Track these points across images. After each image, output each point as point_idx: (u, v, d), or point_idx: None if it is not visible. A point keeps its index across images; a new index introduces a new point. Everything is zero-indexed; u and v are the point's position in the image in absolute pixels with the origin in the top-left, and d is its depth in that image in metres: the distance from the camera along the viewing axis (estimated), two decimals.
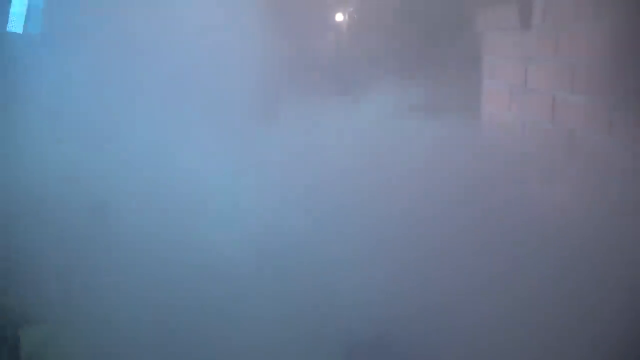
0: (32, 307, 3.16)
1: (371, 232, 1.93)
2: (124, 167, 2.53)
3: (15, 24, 2.97)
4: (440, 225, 1.77)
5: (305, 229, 2.09)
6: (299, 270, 1.98)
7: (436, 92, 2.86)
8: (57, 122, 3.07)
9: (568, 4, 1.58)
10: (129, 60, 2.85)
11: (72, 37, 3.12)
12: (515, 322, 1.44)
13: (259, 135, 2.64)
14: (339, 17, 4.32)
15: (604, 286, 1.35)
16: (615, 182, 1.43)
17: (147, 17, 2.77)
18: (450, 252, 1.68)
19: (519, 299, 1.49)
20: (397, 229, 1.84)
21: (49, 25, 3.11)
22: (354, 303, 1.82)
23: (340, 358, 1.84)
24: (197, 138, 2.56)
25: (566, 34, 1.59)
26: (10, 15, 2.93)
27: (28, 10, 3.04)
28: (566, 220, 1.59)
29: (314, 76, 3.67)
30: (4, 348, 2.54)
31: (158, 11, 2.74)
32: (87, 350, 2.88)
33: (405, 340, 1.69)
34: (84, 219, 3.33)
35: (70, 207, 3.28)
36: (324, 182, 2.17)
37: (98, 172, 3.01)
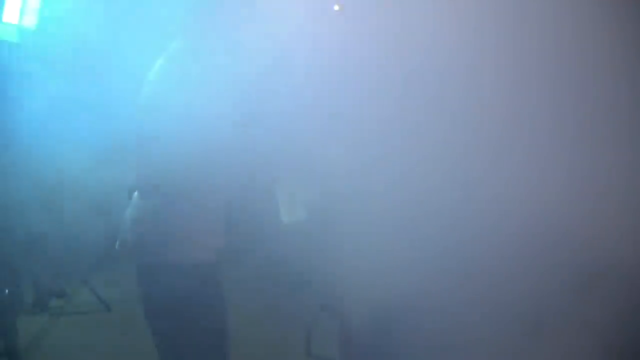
0: (30, 298, 3.19)
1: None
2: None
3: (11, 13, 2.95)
4: (435, 220, 1.78)
5: None
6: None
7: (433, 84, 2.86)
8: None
9: None
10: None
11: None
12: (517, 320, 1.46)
13: None
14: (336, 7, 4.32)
15: (605, 284, 1.37)
16: (614, 177, 1.44)
17: None
18: (445, 249, 1.69)
19: (519, 295, 1.51)
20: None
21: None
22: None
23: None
24: None
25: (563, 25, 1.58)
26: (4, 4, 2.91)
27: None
28: (564, 217, 1.59)
29: None
30: (2, 338, 2.55)
31: None
32: (83, 340, 2.92)
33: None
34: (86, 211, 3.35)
35: (72, 199, 3.29)
36: None
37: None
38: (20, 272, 3.03)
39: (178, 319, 1.72)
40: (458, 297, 1.63)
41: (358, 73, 2.08)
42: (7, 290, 2.67)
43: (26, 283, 3.15)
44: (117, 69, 2.96)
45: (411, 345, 1.76)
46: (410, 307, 1.74)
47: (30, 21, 3.03)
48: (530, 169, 1.83)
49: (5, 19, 2.87)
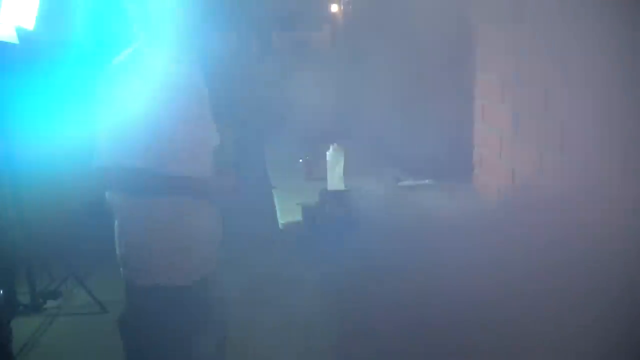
0: (25, 299, 3.17)
1: None
2: None
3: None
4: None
5: None
6: None
7: (430, 84, 2.85)
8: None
9: None
10: None
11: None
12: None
13: None
14: (334, 7, 4.31)
15: (601, 284, 1.36)
16: (607, 175, 1.43)
17: None
18: (445, 247, 1.68)
19: (517, 296, 1.50)
20: None
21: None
22: None
23: None
24: None
25: (558, 25, 1.58)
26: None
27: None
28: (558, 214, 1.59)
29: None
30: None
31: None
32: (79, 341, 2.90)
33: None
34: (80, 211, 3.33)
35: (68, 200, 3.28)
36: None
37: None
38: (16, 273, 3.02)
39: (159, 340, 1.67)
40: (458, 298, 1.62)
41: None
42: (1, 291, 2.65)
43: (21, 284, 3.14)
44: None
45: (408, 348, 1.75)
46: (408, 308, 1.73)
47: (29, 22, 3.02)
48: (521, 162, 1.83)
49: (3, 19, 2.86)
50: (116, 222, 1.74)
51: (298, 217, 2.19)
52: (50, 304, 3.22)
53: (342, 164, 2.28)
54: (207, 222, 1.77)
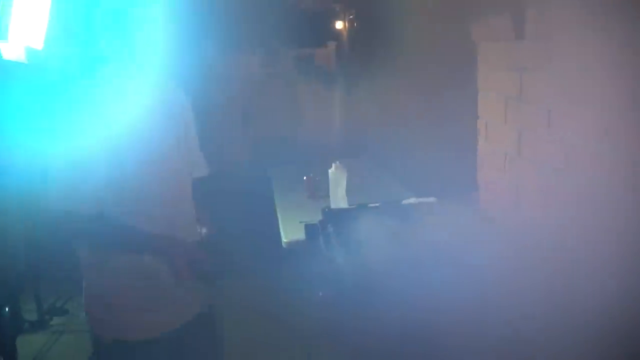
0: (30, 316, 3.18)
1: None
2: None
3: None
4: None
5: None
6: None
7: (433, 101, 2.86)
8: None
9: (561, 12, 1.58)
10: None
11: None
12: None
13: None
14: (339, 24, 4.34)
15: (605, 301, 1.35)
16: (611, 189, 1.42)
17: None
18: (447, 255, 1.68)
19: (521, 315, 1.49)
20: None
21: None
22: None
23: None
24: None
25: (560, 43, 1.58)
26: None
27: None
28: (562, 230, 1.58)
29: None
30: (2, 357, 2.54)
31: None
32: (85, 359, 2.90)
33: None
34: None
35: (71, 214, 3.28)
36: None
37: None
38: (22, 289, 3.03)
39: None
40: (463, 317, 1.61)
41: None
42: (7, 308, 2.66)
43: (28, 301, 3.15)
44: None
45: None
46: (410, 327, 1.72)
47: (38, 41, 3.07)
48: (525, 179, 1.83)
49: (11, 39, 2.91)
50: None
51: (301, 235, 2.19)
52: (56, 320, 3.23)
53: (344, 182, 2.28)
54: (177, 280, 1.58)
